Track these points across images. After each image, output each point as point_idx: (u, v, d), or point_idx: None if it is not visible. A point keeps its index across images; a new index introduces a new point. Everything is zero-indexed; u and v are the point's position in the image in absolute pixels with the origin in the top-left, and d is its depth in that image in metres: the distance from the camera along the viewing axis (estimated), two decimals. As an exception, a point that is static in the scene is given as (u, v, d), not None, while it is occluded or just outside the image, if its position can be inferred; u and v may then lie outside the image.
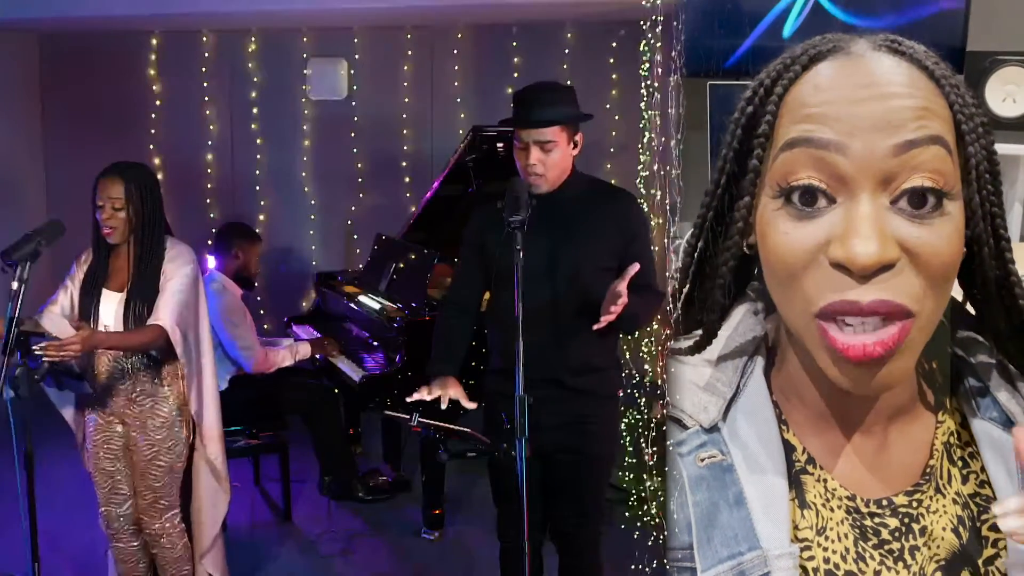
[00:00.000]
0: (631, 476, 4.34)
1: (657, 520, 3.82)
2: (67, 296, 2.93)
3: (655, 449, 3.90)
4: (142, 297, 2.83)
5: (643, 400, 4.28)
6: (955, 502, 1.03)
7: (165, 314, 2.81)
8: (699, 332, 1.10)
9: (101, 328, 2.83)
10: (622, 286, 2.39)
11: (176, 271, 2.87)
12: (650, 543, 3.64)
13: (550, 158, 2.59)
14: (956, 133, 0.94)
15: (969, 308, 1.08)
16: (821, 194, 0.93)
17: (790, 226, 0.94)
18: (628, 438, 4.28)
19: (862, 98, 0.92)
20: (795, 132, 0.94)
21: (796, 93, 0.97)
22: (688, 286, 1.12)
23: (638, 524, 3.92)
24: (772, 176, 0.96)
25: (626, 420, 4.29)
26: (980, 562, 1.00)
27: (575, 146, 2.66)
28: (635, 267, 2.42)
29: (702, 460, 1.05)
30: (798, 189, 0.94)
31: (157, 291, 2.84)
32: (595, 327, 2.45)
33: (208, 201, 6.29)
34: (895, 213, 0.91)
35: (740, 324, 1.10)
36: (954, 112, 0.94)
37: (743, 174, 1.00)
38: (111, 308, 2.87)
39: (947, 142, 0.92)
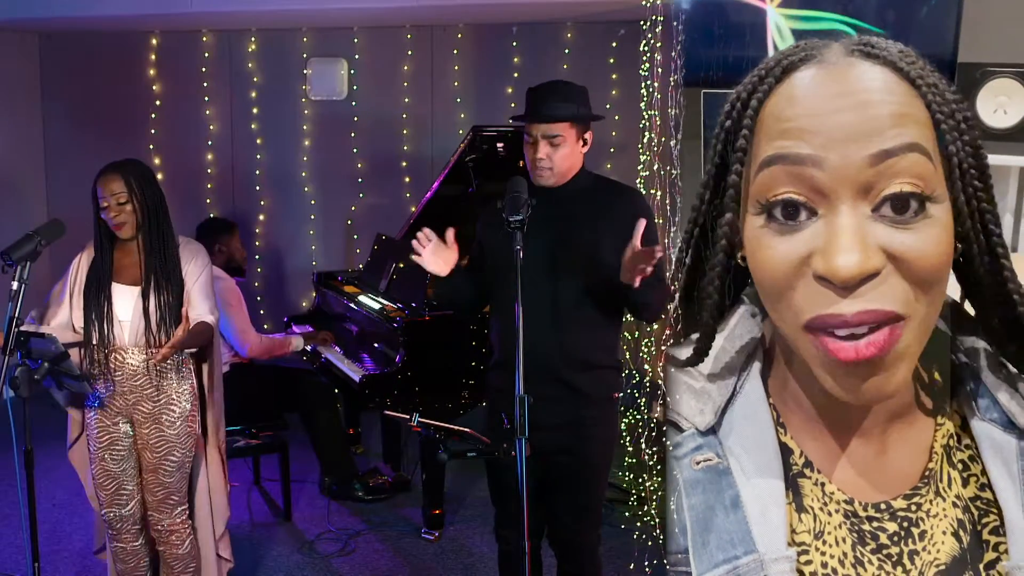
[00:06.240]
0: (631, 476, 4.34)
1: (656, 520, 3.82)
2: (66, 308, 2.92)
3: (655, 449, 3.90)
4: (162, 289, 2.84)
5: (643, 400, 4.28)
6: (955, 505, 1.02)
7: (204, 310, 2.91)
8: (695, 339, 1.10)
9: (116, 323, 2.84)
10: (637, 241, 2.35)
11: (199, 270, 2.95)
12: (650, 543, 3.64)
13: (558, 153, 2.62)
14: (936, 133, 0.93)
15: (969, 308, 1.07)
16: (802, 207, 0.92)
17: (775, 241, 0.94)
18: (628, 438, 4.28)
19: (836, 108, 0.91)
20: (772, 149, 0.94)
21: (771, 107, 0.96)
22: (679, 299, 1.12)
23: (638, 524, 3.92)
24: (753, 194, 0.96)
25: (626, 420, 4.29)
26: (981, 566, 0.99)
27: (584, 144, 2.68)
28: (643, 223, 2.37)
29: (698, 463, 1.04)
30: (779, 204, 0.93)
31: (178, 283, 2.87)
32: (638, 279, 2.37)
33: (208, 201, 6.29)
34: (877, 221, 0.90)
35: (737, 326, 1.10)
36: (932, 112, 0.93)
37: (723, 191, 0.99)
38: (127, 302, 2.86)
39: (925, 148, 0.91)
